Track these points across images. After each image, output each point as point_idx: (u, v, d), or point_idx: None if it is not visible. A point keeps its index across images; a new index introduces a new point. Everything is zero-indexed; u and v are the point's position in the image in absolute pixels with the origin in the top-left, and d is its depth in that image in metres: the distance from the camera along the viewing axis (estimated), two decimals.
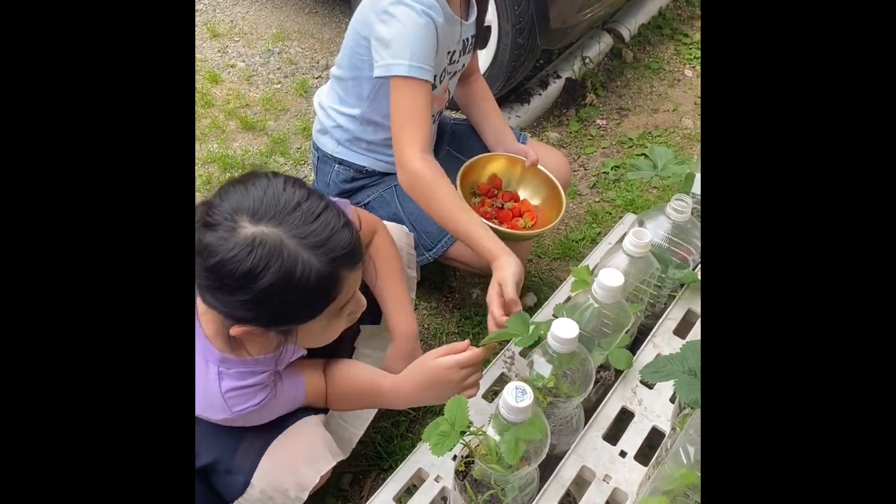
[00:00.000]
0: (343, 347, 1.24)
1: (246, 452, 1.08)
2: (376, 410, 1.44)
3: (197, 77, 2.54)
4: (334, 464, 1.10)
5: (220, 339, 0.96)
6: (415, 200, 1.36)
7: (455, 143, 1.69)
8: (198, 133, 2.30)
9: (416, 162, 1.30)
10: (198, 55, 2.63)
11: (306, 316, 0.91)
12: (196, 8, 2.86)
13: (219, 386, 0.97)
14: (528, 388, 0.82)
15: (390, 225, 1.43)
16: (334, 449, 1.14)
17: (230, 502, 1.15)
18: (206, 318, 0.98)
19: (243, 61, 2.64)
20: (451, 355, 1.06)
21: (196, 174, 2.16)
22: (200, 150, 2.25)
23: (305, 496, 1.10)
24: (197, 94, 2.45)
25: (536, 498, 0.91)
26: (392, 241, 1.33)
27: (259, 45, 2.71)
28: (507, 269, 1.18)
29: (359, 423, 1.40)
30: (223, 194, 0.88)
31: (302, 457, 1.08)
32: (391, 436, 1.53)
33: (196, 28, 2.76)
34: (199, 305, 0.97)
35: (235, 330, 0.90)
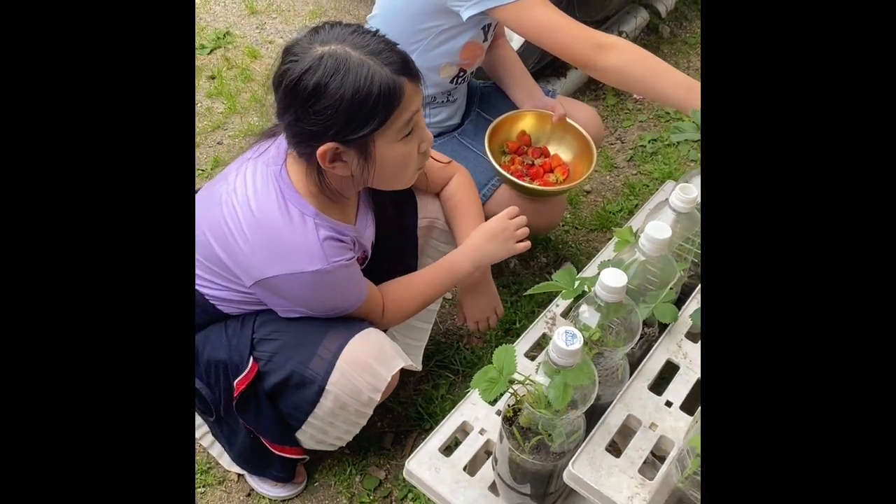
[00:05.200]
0: None
1: (321, 357, 1.15)
2: (431, 325, 1.55)
3: (237, 53, 2.57)
4: (403, 365, 1.20)
5: (313, 196, 1.09)
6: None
7: (484, 104, 1.70)
8: (238, 107, 2.34)
9: (598, 63, 1.33)
10: (237, 31, 2.67)
11: (378, 122, 1.00)
12: None
13: (317, 235, 1.08)
14: (578, 332, 0.83)
15: None
16: (402, 353, 1.22)
17: (300, 423, 1.21)
18: (297, 178, 1.09)
19: (281, 37, 2.67)
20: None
21: (237, 147, 2.19)
22: (242, 123, 2.29)
23: (378, 398, 1.18)
24: (237, 70, 2.49)
25: (583, 444, 0.93)
26: (471, 183, 1.41)
27: (296, 22, 2.74)
28: None
29: (419, 335, 1.53)
30: (296, 39, 1.02)
31: (373, 357, 1.17)
32: (432, 397, 1.56)
33: (235, 4, 2.80)
34: (292, 167, 1.09)
35: (322, 150, 1.00)
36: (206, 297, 1.18)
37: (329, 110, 0.97)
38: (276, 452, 1.28)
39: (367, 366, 1.16)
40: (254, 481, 1.41)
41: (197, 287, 1.17)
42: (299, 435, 1.26)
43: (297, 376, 1.16)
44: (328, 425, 1.22)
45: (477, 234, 1.30)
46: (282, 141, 1.12)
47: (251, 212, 1.08)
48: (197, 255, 1.15)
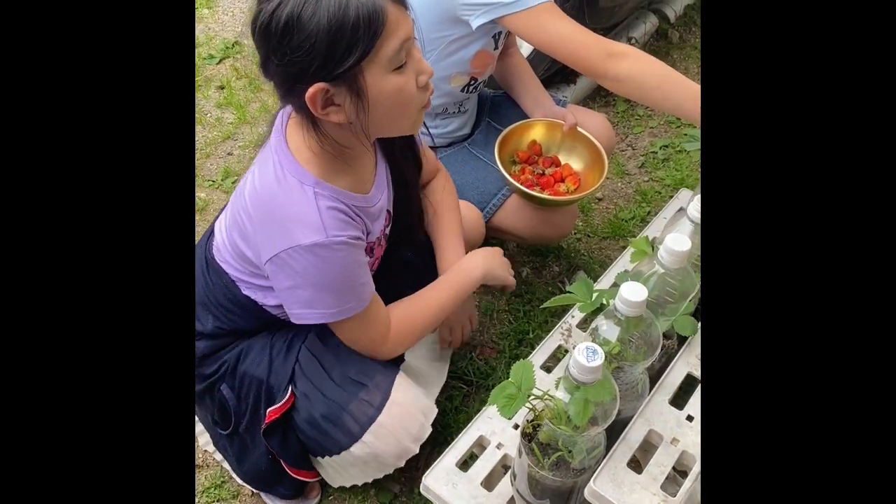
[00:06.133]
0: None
1: (366, 402, 1.13)
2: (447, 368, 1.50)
3: (246, 62, 2.58)
4: (430, 431, 1.18)
5: (315, 159, 1.03)
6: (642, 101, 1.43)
7: (494, 114, 1.69)
8: (248, 117, 2.34)
9: (609, 72, 1.31)
10: (245, 41, 2.67)
11: (363, 51, 0.91)
12: None
13: (316, 204, 1.01)
14: (599, 349, 0.82)
15: (461, 203, 1.45)
16: (427, 408, 1.19)
17: (323, 456, 1.20)
18: (297, 145, 1.03)
19: None
20: None
21: (247, 157, 2.19)
22: (252, 133, 2.28)
23: (417, 449, 1.17)
24: (246, 79, 2.49)
25: (604, 461, 0.92)
26: (453, 188, 1.38)
27: None
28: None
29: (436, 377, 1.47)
30: None
31: (417, 405, 1.16)
32: (445, 409, 1.54)
33: (244, 14, 2.80)
34: (293, 136, 1.04)
35: (311, 92, 0.92)
36: (251, 298, 1.16)
37: (306, 43, 0.89)
38: (291, 474, 1.27)
39: (411, 416, 1.15)
40: (268, 498, 1.40)
41: (238, 285, 1.16)
42: (320, 463, 1.25)
43: (334, 416, 1.14)
44: (352, 467, 1.21)
45: (479, 251, 1.29)
46: (282, 113, 1.08)
47: (255, 190, 1.04)
48: (229, 257, 1.13)
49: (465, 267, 1.27)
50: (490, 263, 1.28)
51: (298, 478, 1.27)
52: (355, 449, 1.14)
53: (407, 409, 1.15)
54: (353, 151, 1.06)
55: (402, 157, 1.21)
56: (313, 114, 0.96)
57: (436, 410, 1.18)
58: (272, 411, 1.16)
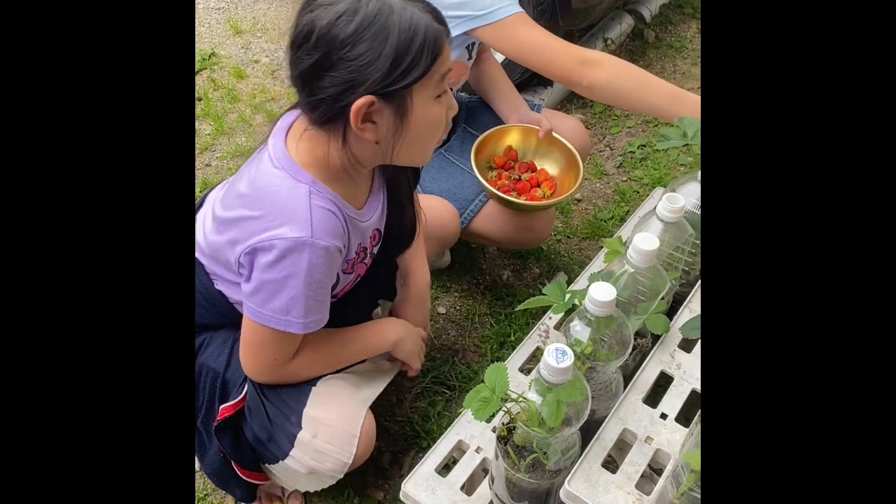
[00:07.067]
0: (361, 318, 1.27)
1: (286, 436, 1.12)
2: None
3: (223, 73, 2.57)
4: (368, 405, 1.18)
5: (314, 168, 1.01)
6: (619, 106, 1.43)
7: (469, 120, 1.70)
8: (225, 127, 2.33)
9: (583, 80, 1.32)
10: (222, 52, 2.67)
11: (422, 71, 0.92)
12: (218, 6, 2.90)
13: (309, 202, 0.98)
14: (569, 350, 0.83)
15: (435, 199, 1.44)
16: (352, 421, 1.16)
17: (271, 463, 1.19)
18: (299, 151, 1.01)
19: (267, 56, 2.66)
20: None
21: (226, 168, 2.19)
22: (229, 144, 2.28)
23: (350, 461, 1.15)
24: (223, 90, 2.48)
25: (579, 461, 0.92)
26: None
27: (282, 41, 2.74)
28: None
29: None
30: None
31: (329, 444, 1.13)
32: (428, 415, 1.55)
33: (220, 25, 2.80)
34: (294, 143, 1.02)
35: (359, 104, 0.91)
36: (223, 293, 1.15)
37: (372, 54, 0.89)
38: (241, 475, 1.23)
39: (337, 431, 1.13)
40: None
41: (212, 279, 1.14)
42: (269, 469, 1.22)
43: (266, 432, 1.13)
44: (297, 475, 1.19)
45: (403, 324, 1.29)
46: (282, 120, 1.06)
47: (243, 181, 1.03)
48: (207, 250, 1.11)
49: (383, 330, 1.26)
50: (406, 340, 1.26)
51: (248, 480, 1.24)
52: (289, 462, 1.14)
53: (330, 425, 1.13)
54: (363, 169, 1.06)
55: (400, 179, 1.20)
56: (345, 126, 0.95)
57: (362, 417, 1.15)
58: (225, 408, 1.14)
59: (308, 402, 1.14)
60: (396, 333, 1.26)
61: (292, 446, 1.12)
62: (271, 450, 1.14)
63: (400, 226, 1.25)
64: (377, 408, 1.31)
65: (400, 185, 1.21)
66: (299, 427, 1.12)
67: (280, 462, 1.15)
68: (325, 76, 0.91)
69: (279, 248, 0.97)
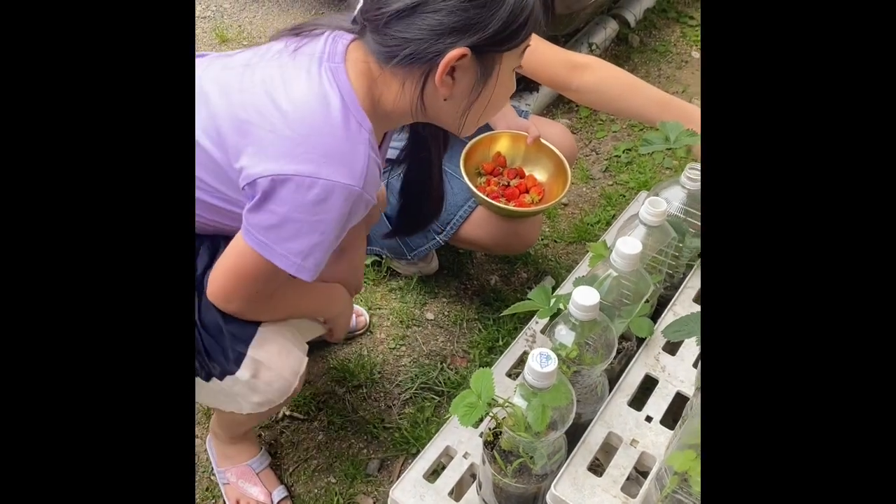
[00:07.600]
0: None
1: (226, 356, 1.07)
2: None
3: None
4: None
5: (368, 110, 0.95)
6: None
7: None
8: None
9: (572, 83, 1.33)
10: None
11: (524, 36, 0.93)
12: (204, 15, 2.90)
13: (367, 150, 0.93)
14: (552, 354, 0.83)
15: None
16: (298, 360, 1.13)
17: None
18: (360, 84, 0.95)
19: None
20: None
21: None
22: None
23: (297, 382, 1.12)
24: None
25: (565, 465, 0.92)
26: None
27: None
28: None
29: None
30: None
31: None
32: (417, 420, 1.55)
33: (205, 34, 2.80)
34: (355, 76, 0.95)
35: (454, 53, 0.88)
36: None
37: (496, 6, 0.87)
38: None
39: (273, 374, 1.09)
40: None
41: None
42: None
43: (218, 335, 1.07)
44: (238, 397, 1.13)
45: (345, 294, 1.27)
46: (335, 41, 0.97)
47: (280, 91, 0.93)
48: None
49: (334, 295, 1.24)
50: (344, 314, 1.27)
51: None
52: (240, 374, 1.06)
53: (272, 369, 1.09)
54: (409, 121, 1.03)
55: (435, 143, 1.18)
56: (426, 73, 0.92)
57: (303, 364, 1.13)
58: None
59: (252, 343, 1.07)
60: (343, 303, 1.26)
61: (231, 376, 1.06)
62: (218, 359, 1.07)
63: (426, 188, 1.27)
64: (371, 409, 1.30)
65: (432, 148, 1.21)
66: (237, 366, 1.06)
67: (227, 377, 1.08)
68: (429, 16, 0.87)
69: (323, 189, 0.90)
